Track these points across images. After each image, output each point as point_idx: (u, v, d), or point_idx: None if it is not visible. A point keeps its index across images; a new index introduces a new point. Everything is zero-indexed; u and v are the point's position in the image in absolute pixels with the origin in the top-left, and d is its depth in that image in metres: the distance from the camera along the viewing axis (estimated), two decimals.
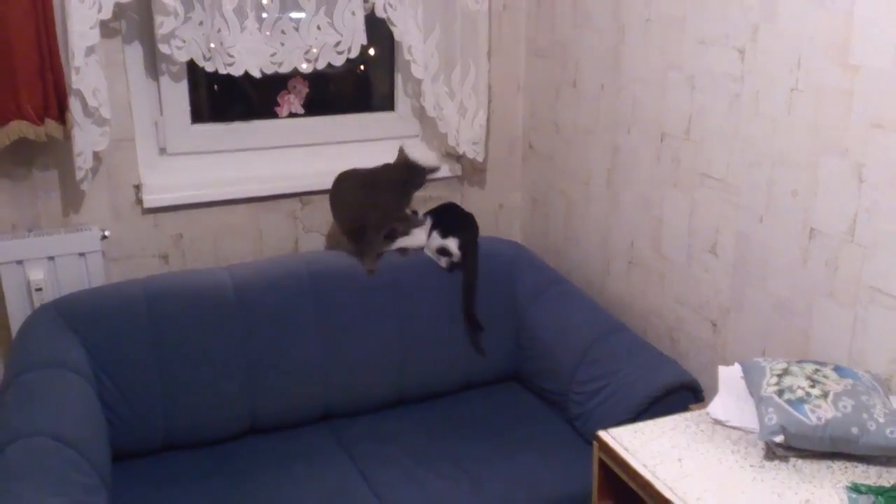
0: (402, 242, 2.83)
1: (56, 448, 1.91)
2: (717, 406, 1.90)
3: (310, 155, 3.01)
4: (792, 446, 1.72)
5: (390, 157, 2.84)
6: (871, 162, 1.88)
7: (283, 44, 2.71)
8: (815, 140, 2.01)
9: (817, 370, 1.82)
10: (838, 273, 1.99)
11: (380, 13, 2.81)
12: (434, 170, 2.82)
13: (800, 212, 2.08)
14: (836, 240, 1.99)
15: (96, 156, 2.58)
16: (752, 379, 1.87)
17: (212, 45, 2.60)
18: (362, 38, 2.79)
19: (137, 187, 2.70)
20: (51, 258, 2.52)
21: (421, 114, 3.07)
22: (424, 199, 3.07)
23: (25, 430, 1.93)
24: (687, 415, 1.93)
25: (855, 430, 1.68)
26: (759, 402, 1.78)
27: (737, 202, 2.27)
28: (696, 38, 2.34)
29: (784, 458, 1.73)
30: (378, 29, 2.89)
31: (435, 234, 2.78)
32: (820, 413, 1.70)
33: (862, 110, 1.88)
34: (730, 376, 1.97)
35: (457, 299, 2.75)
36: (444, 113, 2.97)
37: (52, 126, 2.40)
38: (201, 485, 2.27)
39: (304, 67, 2.79)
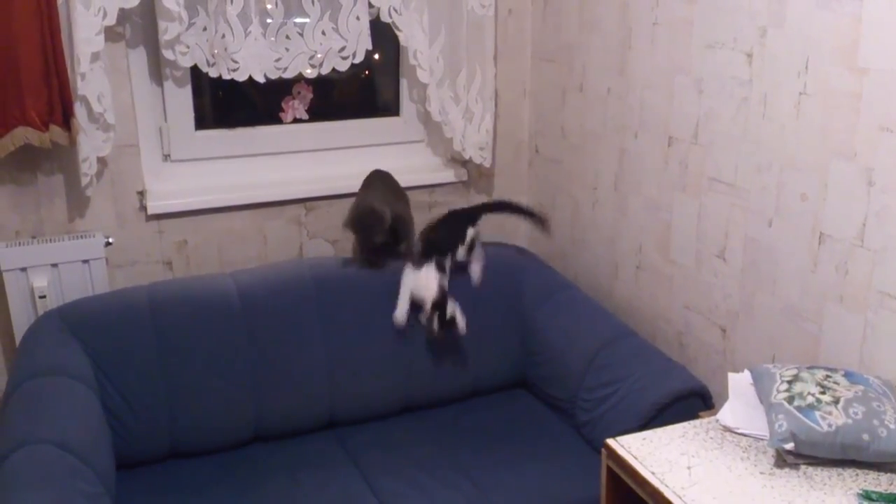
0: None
1: (60, 456, 1.90)
2: (727, 413, 1.89)
3: (314, 160, 3.01)
4: (802, 453, 1.71)
5: (395, 162, 2.86)
6: (879, 165, 1.87)
7: (287, 49, 2.71)
8: (824, 144, 1.99)
9: (828, 376, 1.81)
10: (848, 278, 1.98)
11: (385, 18, 2.80)
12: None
13: (809, 216, 2.06)
14: (845, 244, 1.97)
15: (100, 161, 2.57)
16: (761, 385, 1.86)
17: (215, 51, 2.60)
18: (367, 43, 2.79)
19: (141, 193, 2.70)
20: (54, 265, 2.52)
21: (426, 119, 3.06)
22: (430, 205, 3.06)
23: (29, 438, 1.92)
24: (696, 422, 1.92)
25: (866, 437, 1.67)
26: (769, 408, 1.77)
27: (745, 206, 2.25)
28: (703, 41, 2.33)
29: (794, 466, 1.72)
30: (383, 33, 2.88)
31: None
32: (830, 420, 1.68)
33: (870, 113, 1.87)
34: (739, 383, 1.96)
35: (463, 305, 2.72)
36: (449, 118, 2.96)
37: (56, 132, 2.39)
38: (207, 493, 2.26)
39: (309, 73, 2.78)
